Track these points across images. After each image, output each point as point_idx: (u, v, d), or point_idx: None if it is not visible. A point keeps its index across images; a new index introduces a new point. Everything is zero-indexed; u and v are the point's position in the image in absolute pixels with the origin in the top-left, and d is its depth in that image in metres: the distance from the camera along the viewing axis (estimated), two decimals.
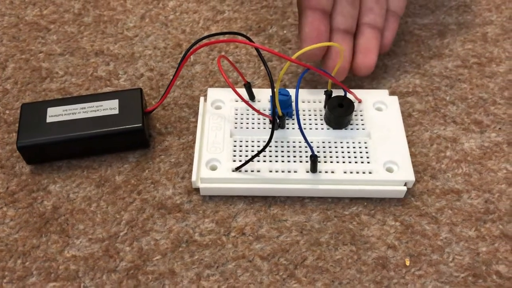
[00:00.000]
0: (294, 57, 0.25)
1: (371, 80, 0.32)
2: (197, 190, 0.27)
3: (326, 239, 0.26)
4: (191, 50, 0.27)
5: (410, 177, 0.26)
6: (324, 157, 0.27)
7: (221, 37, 0.33)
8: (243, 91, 0.29)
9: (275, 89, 0.25)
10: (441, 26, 0.36)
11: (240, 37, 0.26)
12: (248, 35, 0.35)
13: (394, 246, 0.25)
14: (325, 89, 0.29)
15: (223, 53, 0.34)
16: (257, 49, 0.27)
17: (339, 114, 0.28)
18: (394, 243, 0.26)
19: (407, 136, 0.29)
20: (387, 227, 0.26)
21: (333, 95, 0.29)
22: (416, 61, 0.33)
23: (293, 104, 0.29)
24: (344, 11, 0.29)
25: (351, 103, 0.28)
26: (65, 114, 0.28)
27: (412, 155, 0.29)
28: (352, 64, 0.30)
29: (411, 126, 0.30)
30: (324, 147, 0.28)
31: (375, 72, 0.32)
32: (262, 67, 0.33)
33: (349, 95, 0.28)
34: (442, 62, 0.33)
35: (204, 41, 0.27)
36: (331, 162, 0.27)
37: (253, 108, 0.27)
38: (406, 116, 0.31)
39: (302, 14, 0.29)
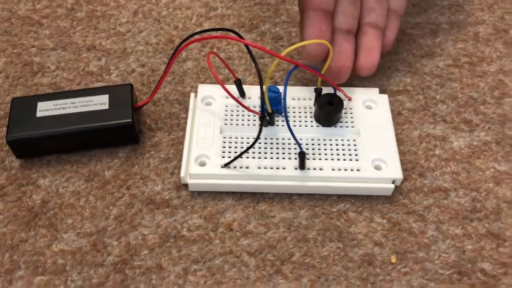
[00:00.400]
0: (283, 54, 0.25)
1: (362, 78, 0.32)
2: (186, 185, 0.27)
3: (313, 236, 0.26)
4: (181, 46, 0.27)
5: (398, 175, 0.27)
6: (313, 154, 0.27)
7: (213, 33, 0.33)
8: (234, 88, 0.29)
9: (264, 86, 0.25)
10: (434, 25, 0.36)
11: (231, 34, 0.26)
12: (240, 32, 0.35)
13: (381, 243, 0.26)
14: (315, 87, 0.29)
15: (215, 50, 0.34)
16: (247, 46, 0.27)
17: (328, 111, 0.28)
18: (381, 240, 0.26)
19: (396, 135, 0.29)
20: (374, 224, 0.26)
21: (324, 92, 0.29)
22: (407, 60, 0.34)
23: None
24: (345, 11, 0.29)
25: (340, 101, 0.28)
26: (55, 109, 0.28)
27: (401, 153, 0.29)
28: (355, 64, 0.29)
29: (400, 125, 0.30)
30: (313, 144, 0.28)
31: None
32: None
33: (339, 93, 0.29)
34: (433, 61, 0.34)
35: (196, 36, 0.27)
36: (320, 159, 0.27)
37: (242, 105, 0.27)
38: (396, 114, 0.31)
39: (303, 14, 0.29)
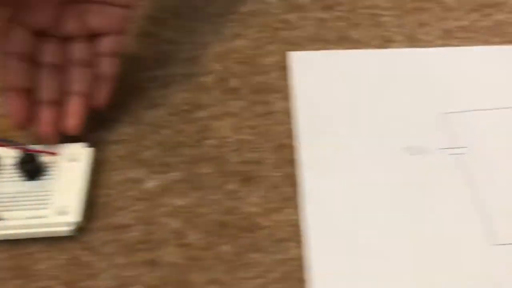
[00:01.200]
0: None
1: (86, 131, 0.37)
2: None
3: (3, 275, 0.31)
4: None
5: (78, 218, 0.32)
6: (16, 206, 0.33)
7: None
8: None
9: None
10: (169, 77, 0.42)
11: None
12: None
13: (56, 276, 0.31)
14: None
15: None
16: None
17: (27, 168, 0.34)
18: (57, 274, 0.31)
19: (99, 180, 0.35)
20: (55, 260, 0.32)
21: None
22: (133, 111, 0.39)
23: None
24: (47, 85, 0.35)
25: (34, 159, 0.34)
26: None
27: (98, 196, 0.34)
28: (63, 126, 0.36)
29: (106, 171, 0.36)
30: (17, 197, 0.33)
31: (90, 125, 0.37)
32: None
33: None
34: (156, 110, 0.40)
35: None
36: (18, 210, 0.33)
37: None
38: (105, 162, 0.36)
39: (4, 94, 0.35)
